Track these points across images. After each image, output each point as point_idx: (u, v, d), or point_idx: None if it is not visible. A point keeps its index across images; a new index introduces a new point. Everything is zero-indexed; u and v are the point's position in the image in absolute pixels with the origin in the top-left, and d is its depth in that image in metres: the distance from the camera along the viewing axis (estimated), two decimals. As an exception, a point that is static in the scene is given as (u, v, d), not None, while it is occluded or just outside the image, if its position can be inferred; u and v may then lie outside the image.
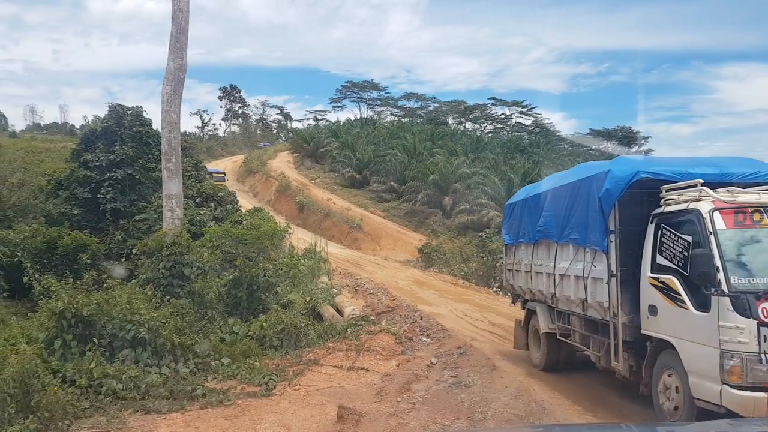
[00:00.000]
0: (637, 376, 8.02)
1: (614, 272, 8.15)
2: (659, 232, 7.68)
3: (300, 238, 26.24)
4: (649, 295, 7.73)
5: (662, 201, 7.84)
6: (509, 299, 18.08)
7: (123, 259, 18.52)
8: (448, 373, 10.42)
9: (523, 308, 12.41)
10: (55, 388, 8.16)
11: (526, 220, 11.89)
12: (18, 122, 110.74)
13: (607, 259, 8.28)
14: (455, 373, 10.40)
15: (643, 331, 7.88)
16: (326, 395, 9.39)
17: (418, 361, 11.47)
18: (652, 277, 7.68)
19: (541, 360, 11.06)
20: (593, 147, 76.40)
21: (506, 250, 13.73)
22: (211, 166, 54.47)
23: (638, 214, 8.17)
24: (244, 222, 22.10)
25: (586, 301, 9.00)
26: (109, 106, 27.82)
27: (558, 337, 10.40)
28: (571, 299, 9.65)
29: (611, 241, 8.25)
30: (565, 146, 78.28)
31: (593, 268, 8.73)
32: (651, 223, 7.87)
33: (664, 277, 7.45)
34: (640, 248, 7.98)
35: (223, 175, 52.68)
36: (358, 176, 51.12)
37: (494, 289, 22.44)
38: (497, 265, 23.58)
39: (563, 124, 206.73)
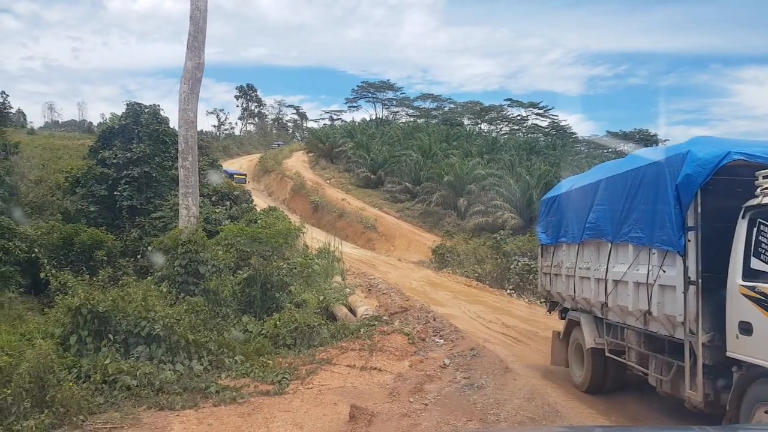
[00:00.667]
0: (715, 408, 6.56)
1: (693, 279, 6.63)
2: (755, 228, 6.18)
3: (314, 238, 26.28)
4: (740, 308, 6.18)
5: (758, 190, 6.26)
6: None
7: (139, 257, 18.68)
8: (460, 375, 10.39)
9: (561, 318, 11.04)
10: (70, 384, 8.25)
11: (571, 216, 10.43)
12: (36, 119, 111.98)
13: (684, 263, 6.71)
14: (468, 374, 10.37)
15: (729, 354, 6.32)
16: (339, 394, 9.39)
17: (430, 361, 11.45)
18: (744, 286, 6.14)
19: (584, 380, 9.63)
20: (617, 148, 75.56)
21: (542, 250, 12.11)
22: (227, 165, 54.51)
23: (723, 207, 6.63)
24: (258, 221, 22.24)
25: (650, 313, 7.43)
26: (126, 104, 28.21)
27: (607, 354, 8.99)
28: (628, 310, 8.09)
29: (689, 240, 6.71)
30: (582, 148, 77.85)
31: (662, 274, 7.15)
32: (742, 218, 6.35)
33: (763, 285, 5.94)
34: (726, 249, 6.46)
35: (244, 177, 51.46)
36: (372, 176, 51.16)
37: (508, 291, 22.35)
38: (511, 267, 23.51)
39: (580, 126, 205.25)
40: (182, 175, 16.93)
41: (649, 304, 7.43)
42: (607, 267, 8.73)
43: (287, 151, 73.94)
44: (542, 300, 14.37)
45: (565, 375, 10.47)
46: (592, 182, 9.75)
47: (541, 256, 12.20)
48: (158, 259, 15.01)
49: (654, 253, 7.39)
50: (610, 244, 8.69)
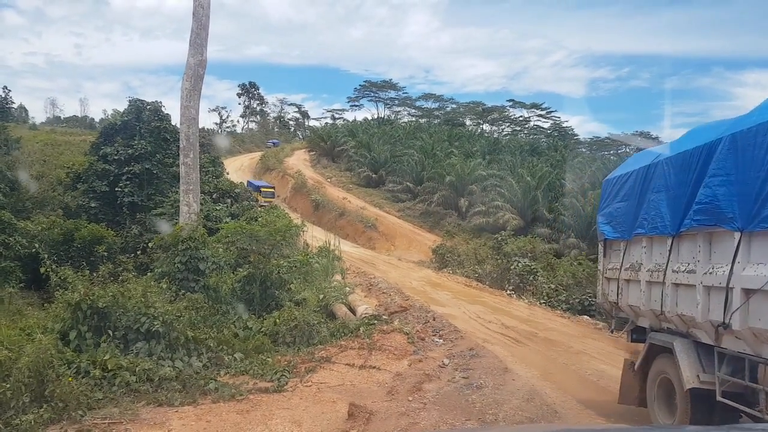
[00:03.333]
0: None
1: None
2: None
3: (314, 236, 26.30)
4: None
5: None
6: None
7: (139, 253, 18.68)
8: (459, 374, 10.38)
9: (631, 339, 8.69)
10: (70, 379, 8.25)
11: (657, 198, 7.59)
12: (38, 115, 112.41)
13: None
14: (467, 374, 10.36)
15: None
16: (338, 393, 9.39)
17: (429, 361, 11.44)
18: None
19: None
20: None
21: (605, 247, 9.36)
22: (228, 162, 54.01)
23: None
24: (259, 219, 22.22)
25: None
26: (129, 100, 28.28)
27: (719, 398, 6.27)
28: None
29: None
30: (584, 150, 77.90)
31: None
32: None
33: None
34: None
35: (272, 190, 45.49)
36: (374, 176, 51.20)
37: (508, 291, 22.34)
38: (512, 267, 23.48)
39: (582, 128, 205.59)
40: (183, 171, 16.92)
41: None
42: (731, 269, 5.98)
43: (288, 149, 73.95)
44: (591, 312, 11.98)
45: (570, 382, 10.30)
46: (700, 145, 6.79)
47: (604, 256, 9.42)
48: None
49: None
50: (738, 235, 5.94)
